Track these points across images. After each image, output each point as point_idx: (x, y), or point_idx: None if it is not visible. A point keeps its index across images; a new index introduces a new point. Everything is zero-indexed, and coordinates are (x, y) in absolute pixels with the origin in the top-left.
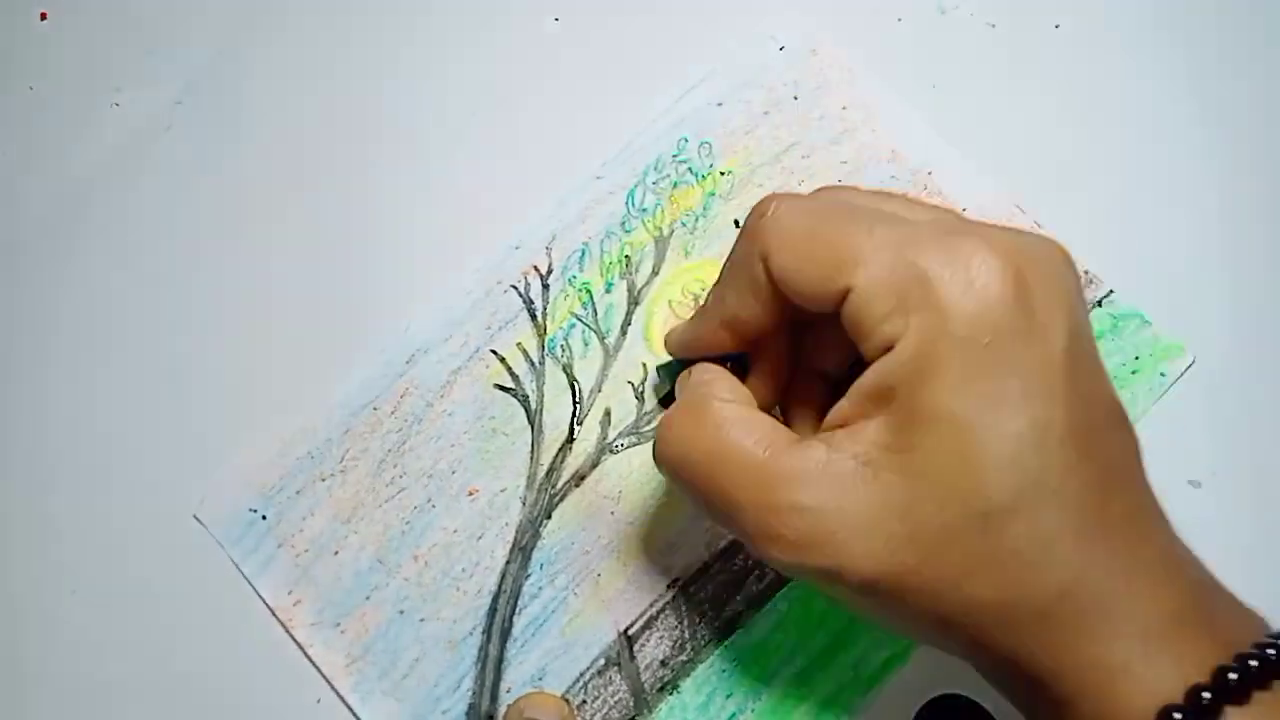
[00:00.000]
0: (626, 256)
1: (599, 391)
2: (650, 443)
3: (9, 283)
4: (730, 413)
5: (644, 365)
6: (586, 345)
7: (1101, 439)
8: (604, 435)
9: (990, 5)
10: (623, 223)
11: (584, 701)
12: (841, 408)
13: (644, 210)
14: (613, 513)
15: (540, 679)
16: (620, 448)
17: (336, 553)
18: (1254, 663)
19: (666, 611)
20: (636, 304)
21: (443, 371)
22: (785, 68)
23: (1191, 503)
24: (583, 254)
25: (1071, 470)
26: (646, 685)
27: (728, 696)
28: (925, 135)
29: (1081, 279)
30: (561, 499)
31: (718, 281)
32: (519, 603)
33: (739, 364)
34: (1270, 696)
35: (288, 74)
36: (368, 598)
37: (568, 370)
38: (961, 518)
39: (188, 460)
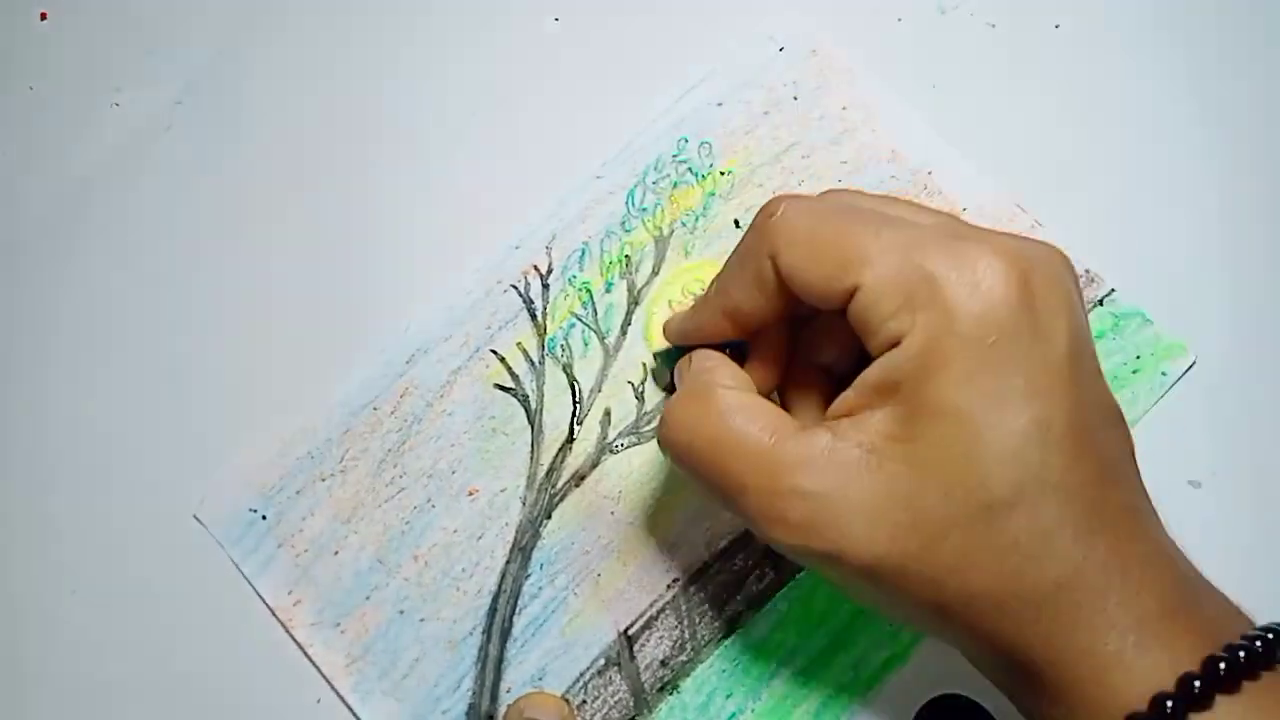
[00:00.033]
0: (626, 256)
1: (599, 391)
2: (650, 442)
3: (9, 283)
4: (734, 399)
5: (644, 365)
6: (586, 345)
7: (1099, 437)
8: (604, 435)
9: (990, 5)
10: (623, 222)
11: (584, 701)
12: (847, 398)
13: (644, 210)
14: (613, 513)
15: (540, 679)
16: (620, 448)
17: (336, 553)
18: (1243, 654)
19: (666, 611)
20: (636, 304)
21: (443, 371)
22: (785, 68)
23: (1191, 503)
24: (583, 254)
25: (1071, 466)
26: (646, 685)
27: (728, 696)
28: (925, 135)
29: (1080, 284)
30: (561, 499)
31: (721, 273)
32: (519, 603)
33: (738, 351)
34: (1257, 686)
35: (288, 74)
36: (368, 598)
37: (568, 370)
38: (963, 509)
39: (188, 460)
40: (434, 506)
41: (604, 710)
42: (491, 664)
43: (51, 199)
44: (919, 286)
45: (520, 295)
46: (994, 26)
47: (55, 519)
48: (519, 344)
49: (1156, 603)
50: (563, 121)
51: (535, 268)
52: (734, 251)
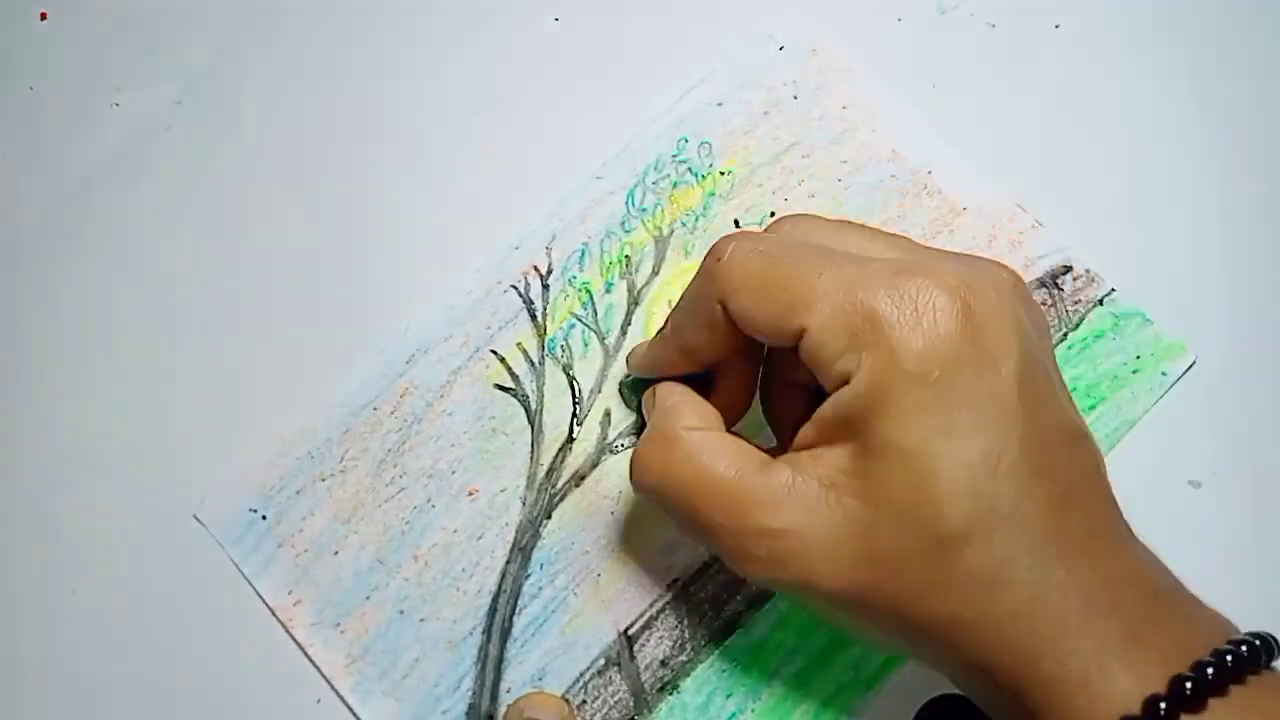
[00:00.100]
0: (626, 256)
1: (599, 392)
2: None
3: (9, 283)
4: (697, 440)
5: None
6: (586, 345)
7: (1056, 461)
8: (604, 435)
9: (990, 5)
10: (623, 222)
11: (584, 701)
12: (806, 432)
13: (644, 210)
14: (613, 513)
15: (540, 679)
16: (620, 448)
17: (336, 553)
18: (1210, 670)
19: (666, 611)
20: (637, 304)
21: (443, 371)
22: (785, 68)
23: (1191, 503)
24: (583, 254)
25: (1025, 494)
26: (646, 685)
27: (728, 696)
28: (925, 135)
29: (1034, 302)
30: (561, 499)
31: (674, 310)
32: (519, 603)
33: (704, 379)
34: (1226, 703)
35: (288, 74)
36: (368, 598)
37: (568, 370)
38: (917, 543)
39: (188, 460)
40: (434, 506)
41: (604, 710)
42: (491, 664)
43: (51, 199)
44: (862, 326)
45: (520, 295)
46: (994, 26)
47: (55, 519)
48: (519, 344)
49: (1121, 625)
50: (563, 121)
51: (535, 268)
52: (684, 292)
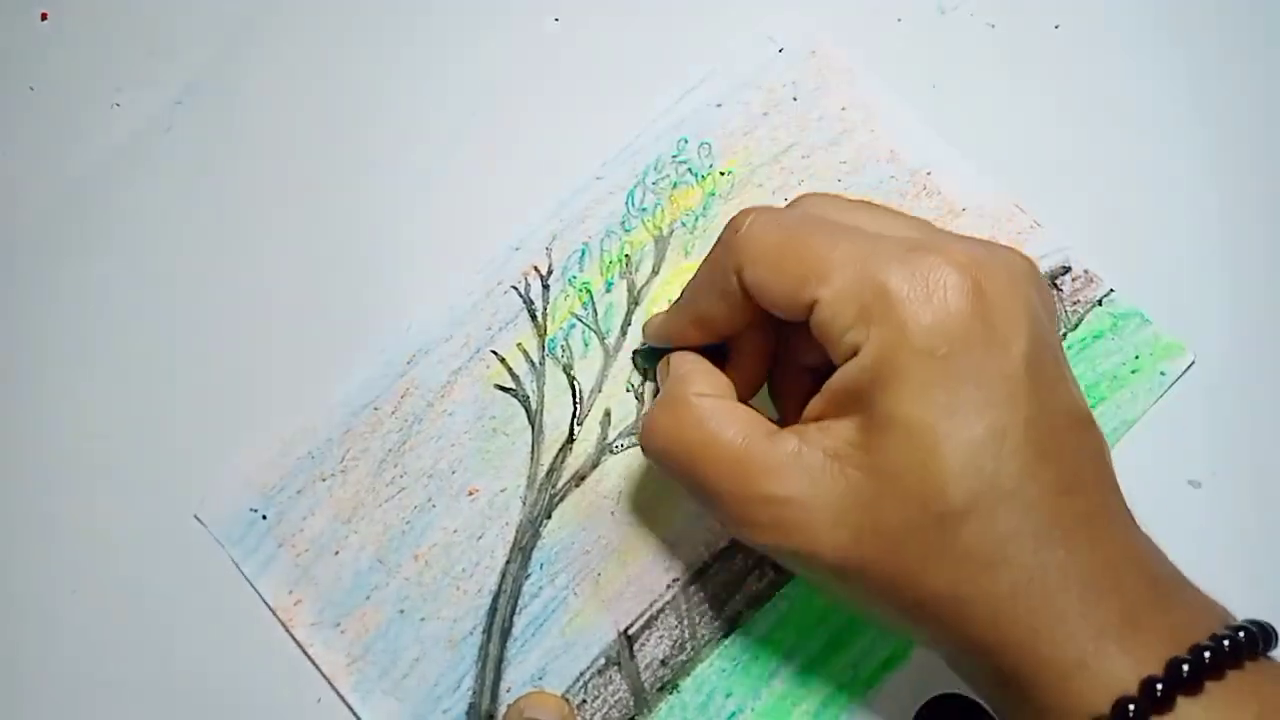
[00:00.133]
0: (626, 256)
1: (599, 392)
2: None
3: (9, 283)
4: (707, 406)
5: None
6: (587, 345)
7: (1062, 443)
8: (604, 435)
9: (990, 5)
10: (623, 222)
11: (584, 701)
12: (815, 404)
13: (644, 210)
14: (613, 513)
15: (540, 678)
16: (620, 448)
17: (337, 552)
18: (1207, 654)
19: (666, 611)
20: (637, 304)
21: (443, 372)
22: (784, 68)
23: (1191, 503)
24: (583, 254)
25: (1028, 475)
26: (646, 684)
27: (727, 696)
28: (925, 135)
29: (1046, 288)
30: (562, 499)
31: (691, 282)
32: (519, 602)
33: (719, 352)
34: (1223, 686)
35: (288, 74)
36: (368, 597)
37: (568, 370)
38: (919, 517)
39: (188, 460)
40: (434, 506)
41: (604, 709)
42: (492, 663)
43: (52, 199)
44: (873, 300)
45: (520, 296)
46: (994, 27)
47: (55, 519)
48: (519, 344)
49: (1120, 608)
50: (563, 122)
51: (535, 268)
52: (703, 261)
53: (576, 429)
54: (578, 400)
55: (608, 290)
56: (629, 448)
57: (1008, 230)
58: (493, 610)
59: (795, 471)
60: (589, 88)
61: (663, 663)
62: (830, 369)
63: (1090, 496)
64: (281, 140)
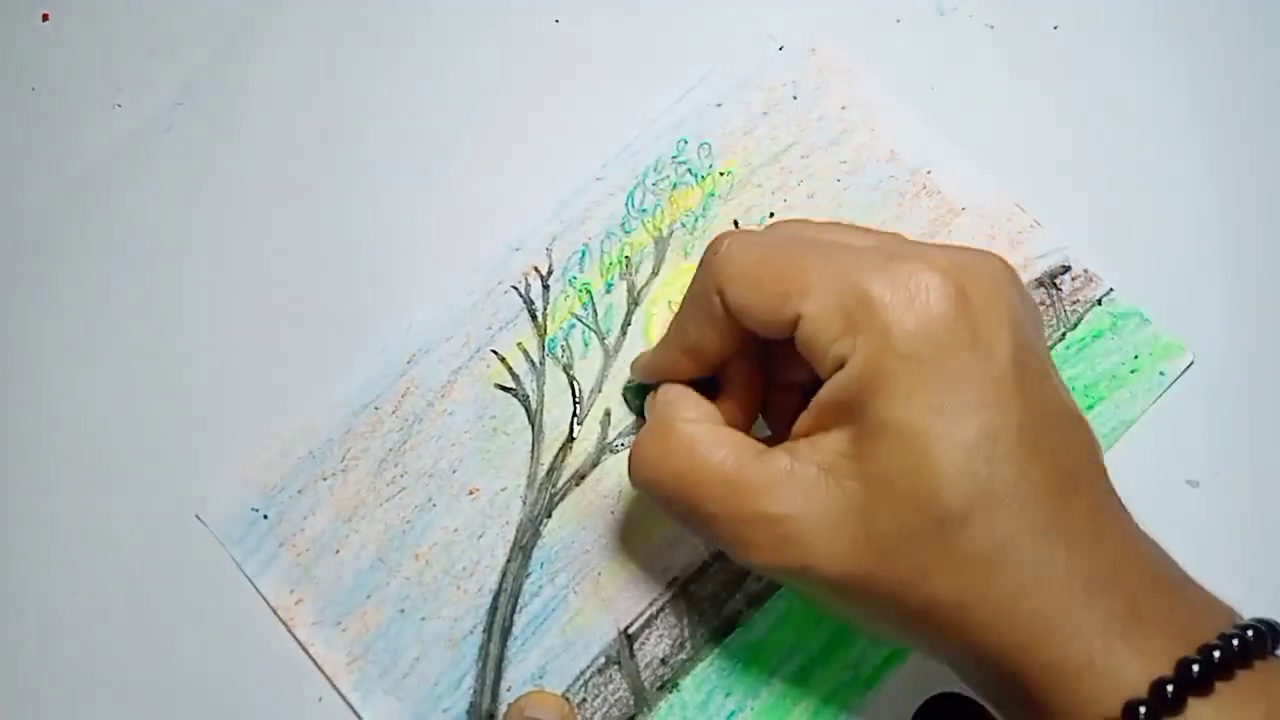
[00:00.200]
0: (626, 257)
1: (599, 391)
2: None
3: (9, 283)
4: (696, 431)
5: None
6: (587, 345)
7: (1054, 442)
8: (604, 435)
9: (989, 6)
10: (623, 223)
11: (584, 700)
12: (804, 420)
13: (644, 211)
14: (613, 512)
15: (541, 677)
16: (620, 448)
17: (338, 552)
18: (1217, 653)
19: (666, 610)
20: (636, 304)
21: (443, 371)
22: (784, 68)
23: (1190, 503)
24: (583, 254)
25: (1024, 474)
26: (646, 683)
27: (727, 695)
28: (924, 135)
29: (1028, 292)
30: (562, 498)
31: (678, 313)
32: (519, 601)
33: (710, 384)
34: (1232, 686)
35: (288, 74)
36: (369, 596)
37: (568, 370)
38: (917, 524)
39: (188, 460)
40: (435, 505)
41: (604, 708)
42: (492, 662)
43: (52, 199)
44: (856, 309)
45: (520, 296)
46: (993, 27)
47: (55, 519)
48: (519, 344)
49: (1125, 607)
50: (563, 122)
51: (535, 268)
52: (687, 291)
53: (576, 428)
54: (578, 400)
55: (608, 291)
56: (629, 447)
57: (1008, 230)
58: (493, 609)
59: (789, 488)
60: (589, 88)
61: (663, 661)
62: (819, 385)
63: (1087, 495)
64: (281, 140)
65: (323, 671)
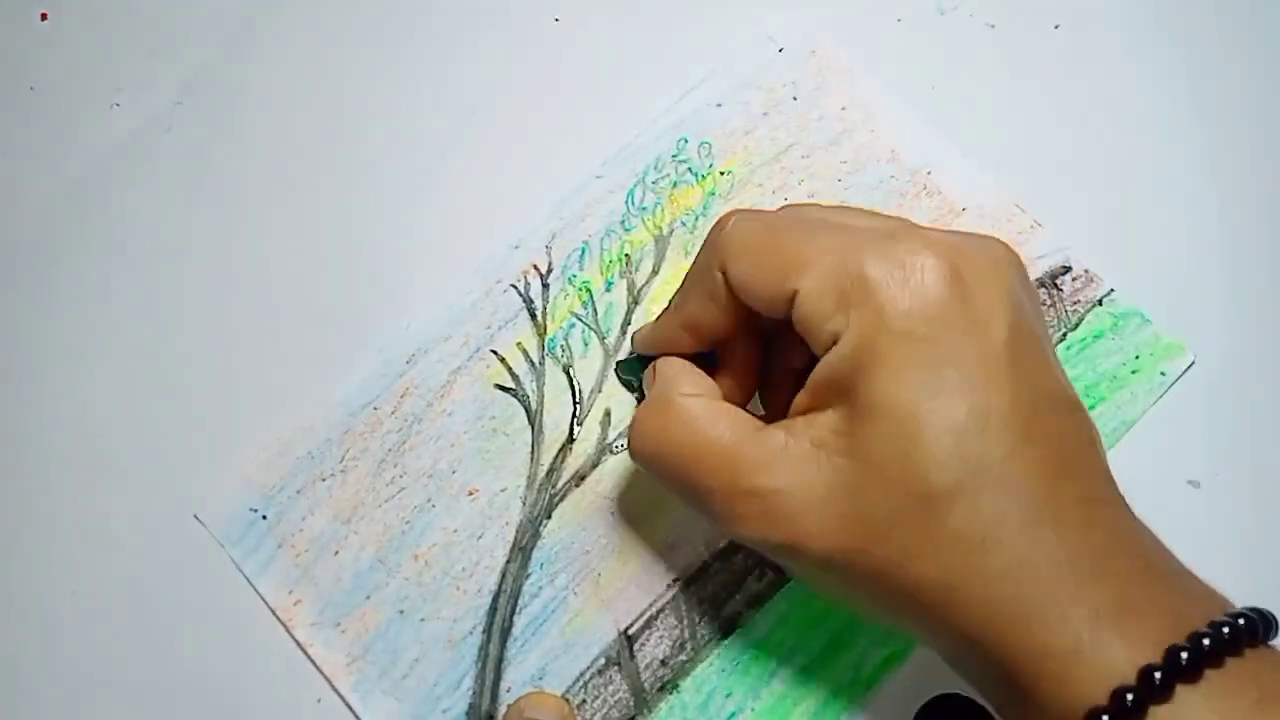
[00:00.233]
0: (626, 255)
1: (599, 392)
2: None
3: (9, 283)
4: (694, 405)
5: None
6: (586, 345)
7: (1048, 426)
8: (604, 435)
9: (989, 5)
10: (623, 222)
11: (584, 701)
12: (801, 398)
13: (644, 209)
14: (613, 513)
15: (540, 678)
16: (620, 448)
17: (337, 552)
18: (1206, 641)
19: (666, 611)
20: (637, 303)
21: (443, 371)
22: (785, 68)
23: (1191, 503)
24: (583, 253)
25: (1014, 456)
26: (646, 684)
27: (727, 696)
28: (925, 135)
29: (1028, 277)
30: (561, 499)
31: (680, 288)
32: (519, 602)
33: (708, 359)
34: (1222, 674)
35: (288, 74)
36: (368, 597)
37: (568, 370)
38: (905, 502)
39: (188, 460)
40: (434, 506)
41: (604, 710)
42: (492, 663)
43: (51, 199)
44: (852, 286)
45: (520, 295)
46: (993, 27)
47: (55, 519)
48: (519, 344)
49: (1115, 594)
50: (563, 121)
51: (535, 267)
52: (691, 266)
53: (576, 429)
54: (578, 400)
55: (608, 289)
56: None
57: (1008, 230)
58: (492, 610)
59: (782, 464)
60: (589, 87)
61: (663, 663)
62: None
63: (1080, 481)
64: (281, 140)
65: (322, 672)
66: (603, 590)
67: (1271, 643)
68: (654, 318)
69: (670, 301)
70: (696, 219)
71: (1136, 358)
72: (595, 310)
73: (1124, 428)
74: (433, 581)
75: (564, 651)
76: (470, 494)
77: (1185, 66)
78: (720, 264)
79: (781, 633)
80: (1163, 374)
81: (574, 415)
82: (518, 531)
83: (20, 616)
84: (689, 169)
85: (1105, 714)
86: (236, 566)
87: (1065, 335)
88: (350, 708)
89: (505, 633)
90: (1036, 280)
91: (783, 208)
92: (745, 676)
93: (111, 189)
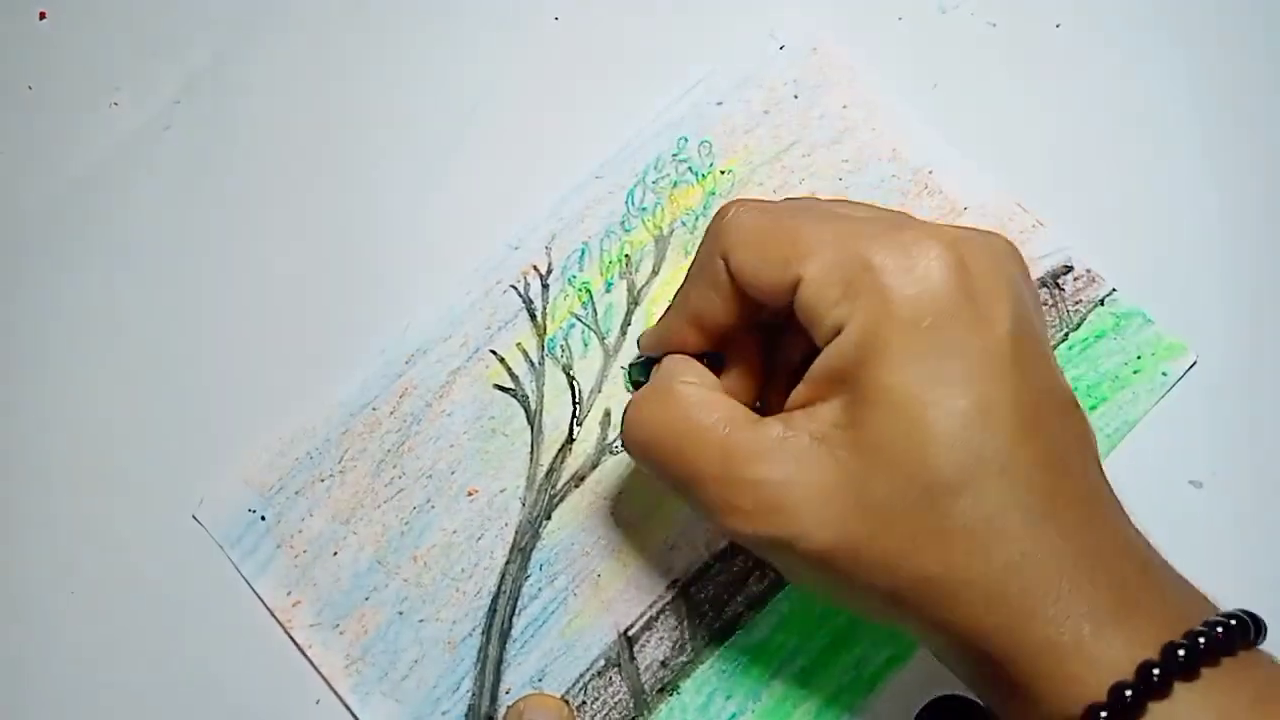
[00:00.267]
0: (626, 256)
1: (599, 392)
2: None
3: (9, 283)
4: (693, 394)
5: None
6: (586, 345)
7: (1049, 423)
8: (604, 436)
9: (991, 4)
10: (623, 222)
11: (584, 703)
12: (799, 391)
13: (644, 209)
14: (612, 513)
15: (540, 680)
16: (620, 448)
17: (336, 553)
18: (1203, 640)
19: (666, 612)
20: (636, 304)
21: (442, 372)
22: (785, 66)
23: (1192, 503)
24: (582, 253)
25: (1017, 450)
26: (646, 686)
27: (728, 697)
28: (926, 134)
29: (1028, 272)
30: (561, 500)
31: (683, 283)
32: (519, 603)
33: (715, 361)
34: (1218, 673)
35: (288, 74)
36: (367, 599)
37: (567, 370)
38: (909, 492)
39: (187, 460)
40: (433, 507)
41: (604, 711)
42: (491, 665)
43: (51, 199)
44: (857, 275)
45: (520, 295)
46: (994, 26)
47: (55, 519)
48: (518, 344)
49: (1114, 590)
50: (562, 120)
51: (535, 267)
52: (693, 259)
53: (576, 429)
54: (577, 400)
55: (607, 290)
56: None
57: (1010, 230)
58: (492, 611)
59: (780, 456)
60: (589, 86)
61: (663, 664)
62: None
63: (1078, 479)
64: (280, 139)
65: (320, 674)
66: (602, 591)
67: (1260, 646)
68: (657, 319)
69: (674, 298)
70: (697, 219)
71: (1138, 358)
72: (595, 311)
73: (1126, 428)
74: (432, 583)
75: (563, 653)
76: (469, 495)
77: (1185, 66)
78: (722, 252)
79: (782, 634)
80: (1164, 374)
81: (574, 416)
82: (517, 532)
83: (20, 616)
84: (689, 168)
85: (1104, 710)
86: (235, 567)
87: (1067, 335)
88: (349, 709)
89: (505, 634)
90: (1038, 280)
91: (783, 200)
92: (746, 678)
93: (111, 189)
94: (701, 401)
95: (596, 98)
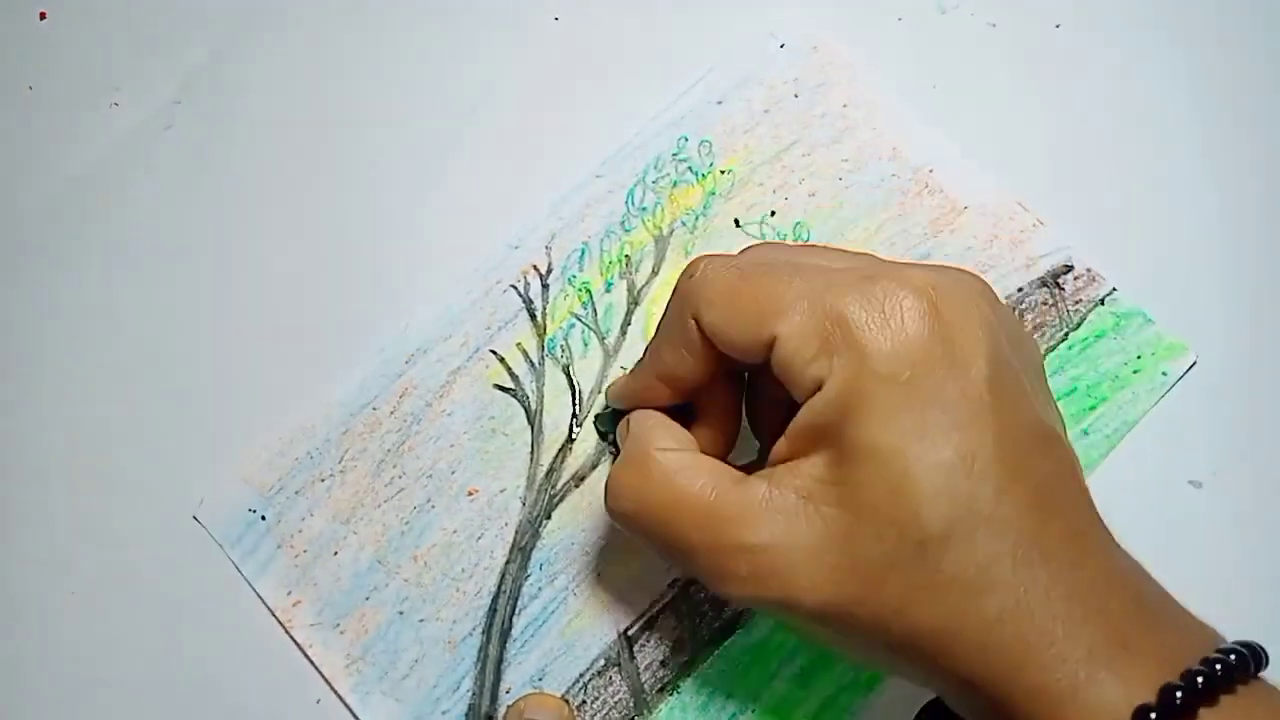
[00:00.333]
0: (626, 256)
1: (599, 392)
2: None
3: (9, 283)
4: (671, 461)
5: None
6: (586, 345)
7: (1033, 461)
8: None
9: (991, 4)
10: (622, 222)
11: (584, 702)
12: (781, 445)
13: (644, 209)
14: None
15: (540, 679)
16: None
17: (336, 553)
18: (1200, 679)
19: (666, 612)
20: (636, 304)
21: (442, 371)
22: (786, 65)
23: (1192, 503)
24: (582, 253)
25: (1004, 494)
26: (646, 686)
27: (728, 697)
28: (926, 134)
29: (1003, 306)
30: (561, 499)
31: (653, 340)
32: (519, 603)
33: (684, 409)
34: (1215, 713)
35: (287, 74)
36: (367, 598)
37: (567, 370)
38: (898, 548)
39: (187, 460)
40: (433, 507)
41: (604, 711)
42: (491, 664)
43: (51, 199)
44: (832, 330)
45: (520, 295)
46: (994, 26)
47: (54, 518)
48: (518, 344)
49: (1108, 631)
50: (562, 120)
51: (535, 267)
52: (662, 316)
53: (576, 429)
54: (577, 400)
55: (607, 290)
56: None
57: (1010, 229)
58: (492, 611)
59: (768, 517)
60: (589, 85)
61: (663, 664)
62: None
63: (1067, 516)
64: (280, 139)
65: (321, 674)
66: (603, 591)
67: (1263, 676)
68: (628, 371)
69: (644, 354)
70: (697, 219)
71: (1138, 357)
72: (595, 311)
73: (1125, 428)
74: (432, 582)
75: (564, 652)
76: (470, 494)
77: (1185, 66)
78: (693, 312)
79: (782, 634)
80: (1164, 374)
81: (574, 416)
82: (517, 532)
83: (19, 616)
84: (689, 168)
85: None
86: (236, 567)
87: (1067, 334)
88: (349, 709)
89: (505, 634)
90: (1038, 279)
91: (747, 249)
92: (746, 678)
93: (111, 188)
94: (682, 467)
95: (596, 98)
